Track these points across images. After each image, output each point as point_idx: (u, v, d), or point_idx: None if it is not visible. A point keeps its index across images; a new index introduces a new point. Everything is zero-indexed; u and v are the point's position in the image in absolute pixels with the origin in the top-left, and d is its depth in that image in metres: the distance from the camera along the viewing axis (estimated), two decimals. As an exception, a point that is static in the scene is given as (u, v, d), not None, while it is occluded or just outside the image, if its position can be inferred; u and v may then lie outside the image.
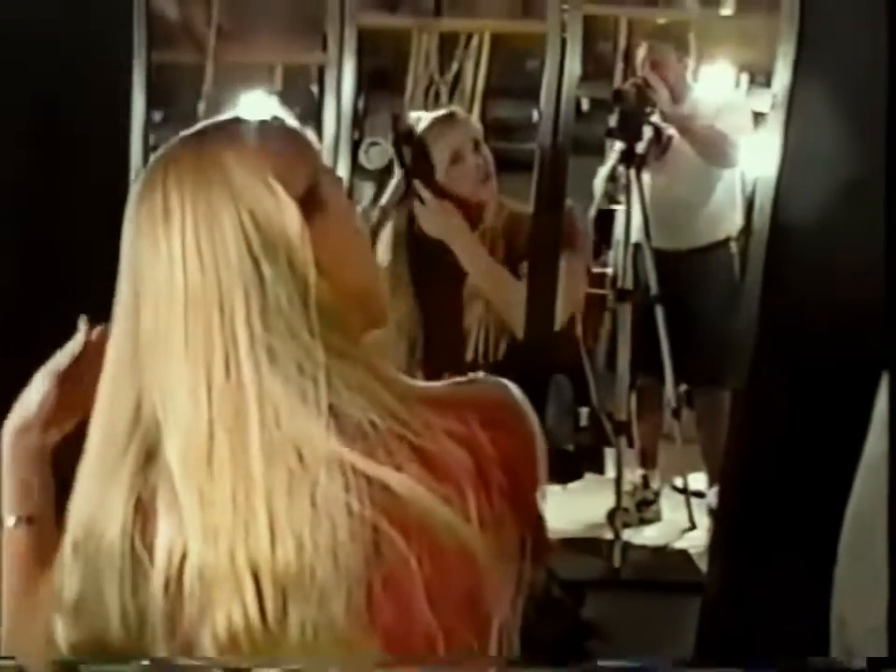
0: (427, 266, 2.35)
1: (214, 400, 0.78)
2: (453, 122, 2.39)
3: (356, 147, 2.17)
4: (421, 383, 0.87)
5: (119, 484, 0.80)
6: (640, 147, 3.08)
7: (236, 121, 0.87)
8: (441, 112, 2.43)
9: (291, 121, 0.89)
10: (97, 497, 0.81)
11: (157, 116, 2.01)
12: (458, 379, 0.88)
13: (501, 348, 2.33)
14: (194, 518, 0.77)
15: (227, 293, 0.78)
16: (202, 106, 4.20)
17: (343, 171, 1.99)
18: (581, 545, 3.10)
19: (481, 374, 0.90)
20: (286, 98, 4.26)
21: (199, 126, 0.88)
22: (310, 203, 0.82)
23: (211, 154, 0.82)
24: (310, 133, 0.89)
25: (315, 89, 4.38)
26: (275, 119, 0.88)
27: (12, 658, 0.83)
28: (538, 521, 0.87)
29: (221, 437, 0.78)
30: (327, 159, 1.97)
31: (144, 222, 0.82)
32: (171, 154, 0.85)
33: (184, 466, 0.78)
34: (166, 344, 0.79)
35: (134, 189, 0.84)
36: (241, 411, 0.77)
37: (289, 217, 0.80)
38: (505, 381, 0.89)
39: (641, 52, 3.20)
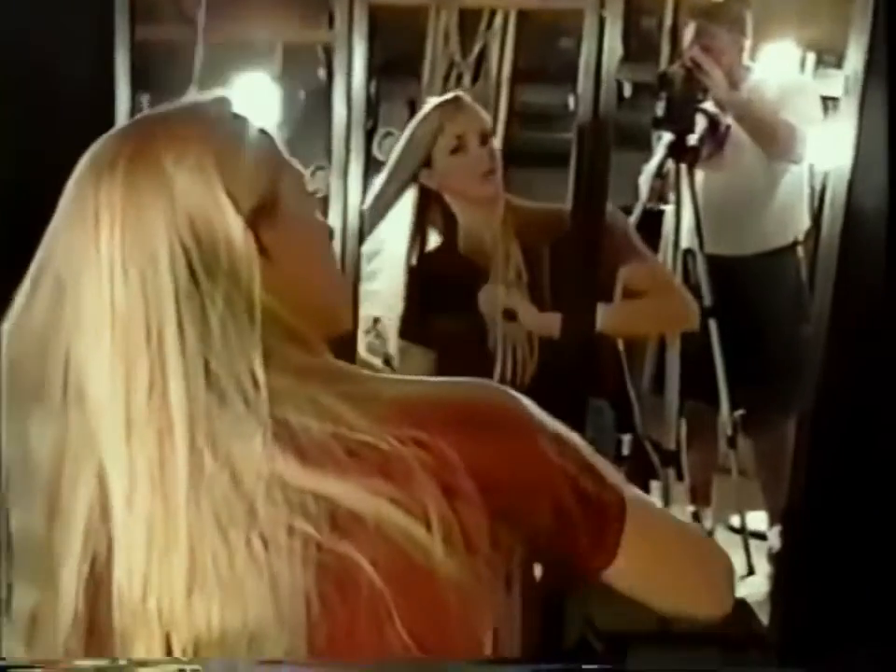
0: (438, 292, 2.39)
1: (134, 423, 0.81)
2: (458, 108, 2.41)
3: (369, 137, 2.18)
4: (398, 381, 0.90)
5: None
6: (692, 139, 3.08)
7: (181, 112, 0.90)
8: (446, 96, 2.45)
9: (245, 112, 0.92)
10: None
11: (143, 100, 2.02)
12: (440, 380, 0.91)
13: (530, 369, 2.34)
14: (119, 554, 0.81)
15: (156, 309, 0.81)
16: (192, 90, 4.23)
17: (354, 163, 2.00)
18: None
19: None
20: (288, 81, 4.29)
21: (139, 117, 0.91)
22: (262, 211, 0.85)
23: (149, 155, 0.84)
24: (268, 128, 0.92)
25: (322, 72, 4.42)
26: (226, 105, 0.92)
27: (3, 659, 0.86)
28: (550, 523, 0.90)
29: (142, 465, 0.80)
30: (337, 150, 1.98)
31: (74, 228, 0.84)
32: (104, 153, 0.86)
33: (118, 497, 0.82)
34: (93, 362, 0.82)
35: (67, 187, 0.87)
36: (165, 434, 0.80)
37: (235, 229, 0.83)
38: (494, 384, 0.92)
39: (690, 30, 3.20)
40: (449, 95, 2.45)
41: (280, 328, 0.84)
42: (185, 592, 0.80)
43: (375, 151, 2.61)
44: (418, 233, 2.45)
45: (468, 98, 2.50)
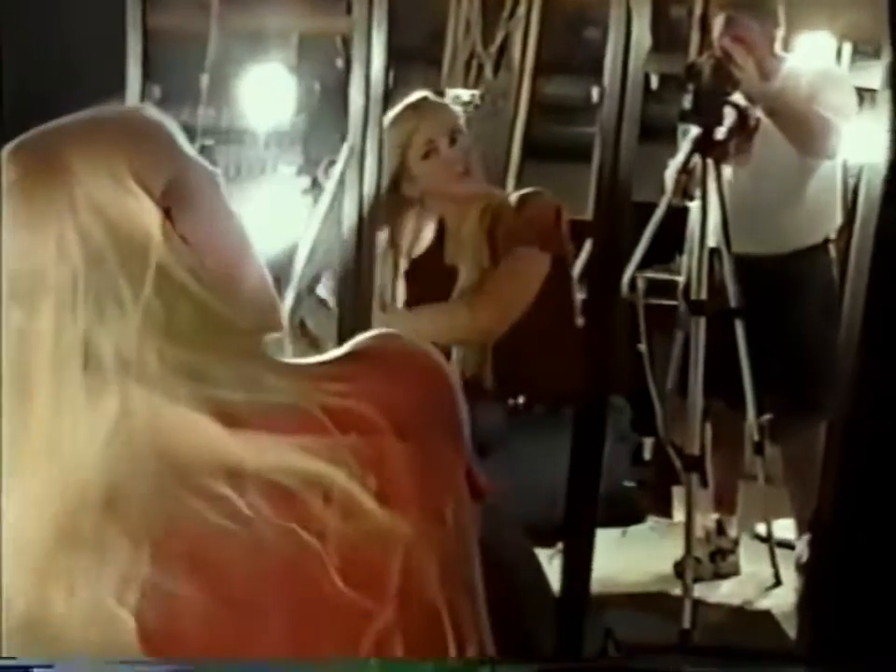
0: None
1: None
2: (424, 110, 2.40)
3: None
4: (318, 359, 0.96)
5: None
6: (720, 133, 3.05)
7: (84, 119, 0.94)
8: (412, 98, 2.44)
9: (149, 111, 0.97)
10: None
11: (155, 92, 2.02)
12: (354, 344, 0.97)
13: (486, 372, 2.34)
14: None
15: (68, 306, 0.86)
16: (204, 80, 4.23)
17: (371, 155, 1.99)
18: (644, 602, 3.08)
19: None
20: (304, 72, 4.29)
21: (41, 128, 0.94)
22: (173, 195, 0.90)
23: (55, 156, 0.89)
24: (169, 122, 0.96)
25: (339, 62, 4.42)
26: (130, 110, 0.99)
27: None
28: (460, 477, 0.95)
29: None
30: (353, 140, 1.97)
31: None
32: (7, 158, 0.91)
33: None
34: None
35: None
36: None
37: (148, 215, 0.88)
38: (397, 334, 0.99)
39: (720, 20, 3.17)
40: (413, 98, 2.44)
41: (204, 311, 0.89)
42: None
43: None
44: (398, 242, 2.44)
45: (433, 97, 2.50)
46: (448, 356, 2.35)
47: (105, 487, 0.86)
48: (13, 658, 0.87)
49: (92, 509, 0.86)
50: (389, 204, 2.37)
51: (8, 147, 0.93)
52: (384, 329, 1.01)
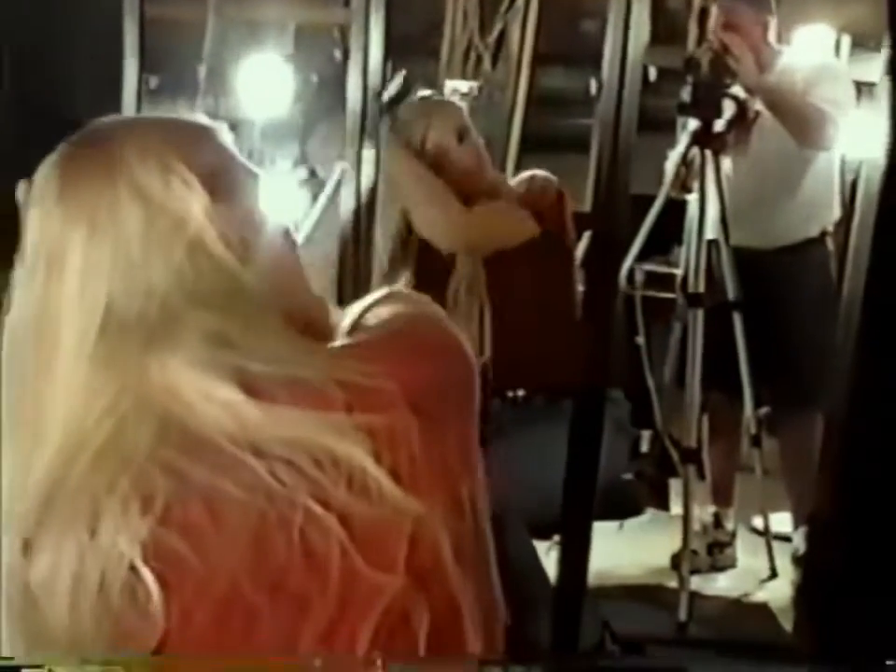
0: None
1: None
2: (430, 113, 2.38)
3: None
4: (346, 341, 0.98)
5: None
6: (719, 126, 3.05)
7: (139, 117, 1.05)
8: (416, 98, 2.42)
9: (197, 117, 1.02)
10: None
11: (152, 82, 2.02)
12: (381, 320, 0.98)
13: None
14: None
15: (122, 291, 0.90)
16: (202, 71, 4.23)
17: (368, 146, 1.99)
18: (641, 594, 3.08)
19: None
20: (301, 63, 4.28)
21: (89, 127, 0.99)
22: (216, 184, 0.94)
23: (107, 142, 0.94)
24: (218, 125, 1.01)
25: (337, 53, 4.41)
26: (181, 115, 1.02)
27: (12, 658, 0.88)
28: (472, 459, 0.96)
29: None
30: (350, 132, 1.97)
31: (41, 230, 0.93)
32: (64, 156, 0.95)
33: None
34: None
35: (33, 196, 0.95)
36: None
37: (191, 193, 0.92)
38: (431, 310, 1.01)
39: (716, 11, 3.17)
40: (415, 100, 2.42)
41: (235, 284, 0.92)
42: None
43: (391, 133, 2.60)
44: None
45: (435, 95, 2.49)
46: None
47: (114, 449, 0.88)
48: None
49: (109, 475, 0.88)
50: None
51: (71, 138, 0.97)
52: (398, 291, 1.04)
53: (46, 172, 0.95)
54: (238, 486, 0.87)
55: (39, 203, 0.94)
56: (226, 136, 1.01)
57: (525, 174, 2.52)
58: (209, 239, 0.92)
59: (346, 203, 2.03)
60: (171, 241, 0.91)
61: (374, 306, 1.00)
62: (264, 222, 0.99)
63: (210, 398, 0.88)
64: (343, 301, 2.05)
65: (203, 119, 1.01)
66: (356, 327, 0.98)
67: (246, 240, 0.95)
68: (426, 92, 2.45)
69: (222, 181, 0.96)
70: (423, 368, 0.95)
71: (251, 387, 0.89)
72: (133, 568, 0.86)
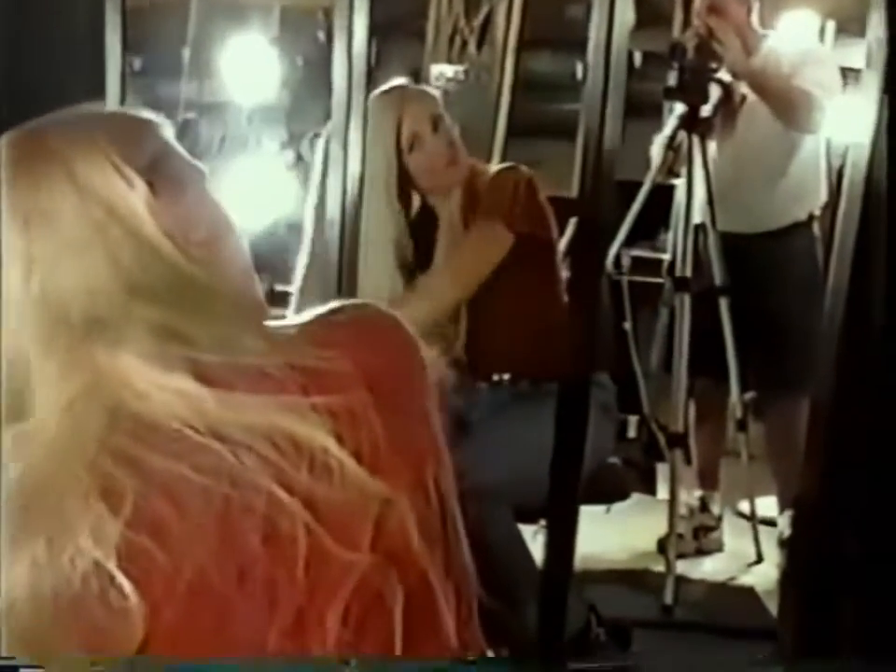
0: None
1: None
2: (401, 99, 2.36)
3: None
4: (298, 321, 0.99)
5: None
6: (705, 110, 3.05)
7: (71, 111, 0.99)
8: (387, 86, 2.39)
9: (134, 110, 1.02)
10: None
11: (136, 63, 2.00)
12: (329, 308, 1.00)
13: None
14: None
15: (69, 286, 0.89)
16: (186, 53, 4.20)
17: (354, 130, 1.98)
18: (627, 578, 3.09)
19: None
20: (286, 45, 4.26)
21: (27, 125, 0.98)
22: (155, 174, 0.94)
23: (42, 140, 0.94)
24: (155, 117, 1.01)
25: (321, 36, 4.40)
26: (114, 108, 1.00)
27: (12, 658, 0.87)
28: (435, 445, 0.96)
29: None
30: (336, 116, 1.96)
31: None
32: (3, 149, 0.94)
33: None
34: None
35: None
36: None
37: (131, 186, 0.92)
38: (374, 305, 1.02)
39: None
40: (387, 87, 2.39)
41: (183, 277, 0.92)
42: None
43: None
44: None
45: (410, 84, 2.46)
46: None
47: (78, 450, 0.88)
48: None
49: (67, 469, 0.87)
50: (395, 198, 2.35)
51: (11, 131, 0.97)
52: (356, 301, 1.05)
53: None
54: (200, 472, 0.86)
55: None
56: (168, 131, 1.01)
57: (493, 169, 2.51)
58: (150, 232, 0.92)
59: (333, 188, 2.02)
60: (110, 234, 0.91)
61: (332, 311, 1.00)
62: (211, 216, 1.00)
63: (163, 387, 0.88)
64: (339, 286, 2.05)
65: (145, 112, 1.02)
66: (308, 318, 0.99)
67: (190, 233, 0.95)
68: (400, 80, 2.43)
69: (164, 175, 0.96)
70: (377, 351, 0.96)
71: (205, 377, 0.89)
72: (102, 571, 0.85)
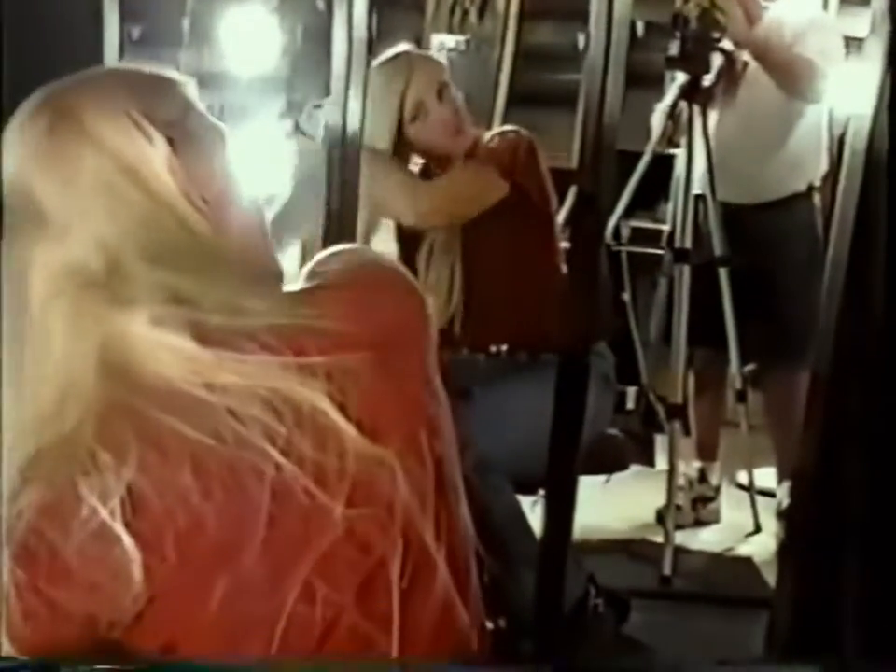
0: None
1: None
2: (408, 66, 2.33)
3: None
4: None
5: None
6: (707, 80, 3.03)
7: (96, 70, 1.02)
8: (391, 53, 2.36)
9: (158, 67, 1.02)
10: None
11: (134, 32, 1.99)
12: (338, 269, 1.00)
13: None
14: None
15: (82, 240, 0.90)
16: (185, 22, 4.17)
17: (355, 101, 1.96)
18: (626, 549, 3.10)
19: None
20: (286, 14, 4.23)
21: (50, 86, 0.98)
22: (176, 132, 0.95)
23: (66, 102, 0.94)
24: (181, 76, 1.01)
25: (321, 4, 4.36)
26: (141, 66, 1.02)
27: (13, 659, 0.88)
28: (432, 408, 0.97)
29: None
30: (336, 87, 1.95)
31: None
32: (25, 115, 0.95)
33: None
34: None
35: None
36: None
37: (151, 142, 0.93)
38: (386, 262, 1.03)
39: None
40: (391, 54, 2.36)
41: (193, 236, 0.93)
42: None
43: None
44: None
45: (416, 50, 2.43)
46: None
47: (85, 406, 0.89)
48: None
49: (73, 419, 0.89)
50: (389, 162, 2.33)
51: (28, 101, 0.97)
52: (355, 246, 1.08)
53: (14, 128, 0.95)
54: (197, 429, 0.87)
55: (7, 158, 0.94)
56: (191, 90, 1.01)
57: (496, 129, 2.49)
58: (165, 191, 0.92)
59: (331, 156, 2.00)
60: (130, 192, 0.91)
61: (329, 260, 1.01)
62: (228, 177, 1.00)
63: (166, 348, 0.89)
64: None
65: (168, 71, 1.01)
66: (311, 277, 0.99)
67: (205, 192, 0.95)
68: (407, 46, 2.40)
69: (185, 134, 0.96)
70: (381, 306, 0.96)
71: (208, 338, 0.90)
72: (106, 527, 0.85)
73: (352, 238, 2.01)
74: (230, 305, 0.91)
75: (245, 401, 0.88)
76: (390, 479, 0.91)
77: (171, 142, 0.94)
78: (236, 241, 0.97)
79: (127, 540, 0.85)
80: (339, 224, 1.97)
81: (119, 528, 0.85)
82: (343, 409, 0.90)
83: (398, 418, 0.93)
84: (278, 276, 1.02)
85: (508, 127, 2.49)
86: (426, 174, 2.45)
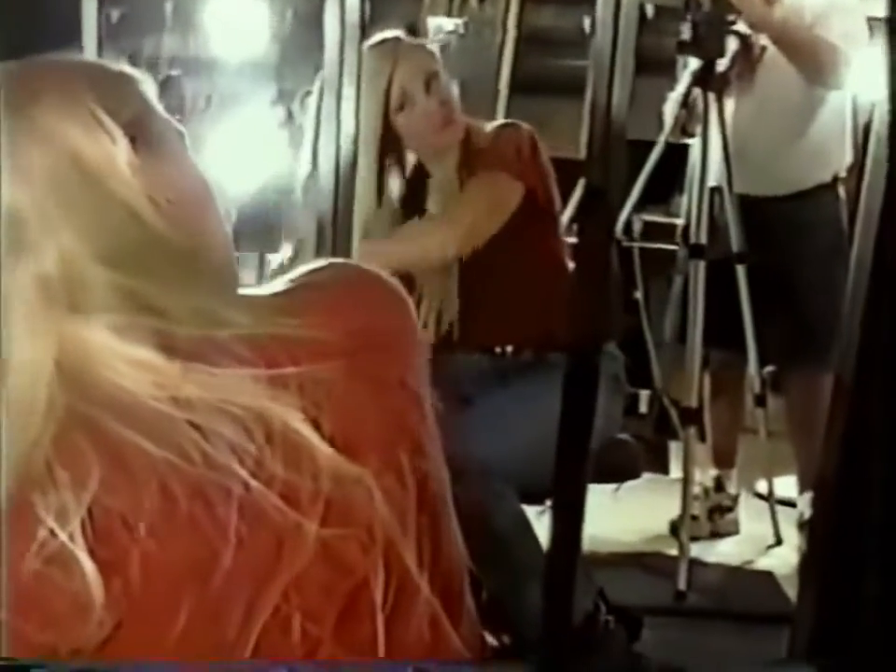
0: None
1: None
2: (393, 54, 2.33)
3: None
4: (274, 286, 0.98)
5: None
6: (721, 65, 3.03)
7: (52, 58, 0.98)
8: (379, 37, 2.36)
9: (114, 63, 1.01)
10: None
11: (113, 15, 1.99)
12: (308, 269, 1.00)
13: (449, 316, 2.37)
14: None
15: (36, 235, 0.88)
16: (169, 6, 4.17)
17: (348, 88, 1.96)
18: (638, 562, 3.10)
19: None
20: (276, -1, 4.23)
21: (6, 64, 0.96)
22: (138, 131, 0.93)
23: (23, 94, 0.92)
24: (138, 73, 1.00)
25: (312, -14, 4.36)
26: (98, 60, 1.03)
27: (14, 659, 0.87)
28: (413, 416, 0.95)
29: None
30: (329, 73, 1.95)
31: None
32: None
33: None
34: None
35: None
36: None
37: (113, 141, 0.91)
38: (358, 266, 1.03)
39: None
40: (377, 39, 2.35)
41: (160, 243, 0.91)
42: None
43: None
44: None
45: (403, 37, 2.42)
46: (419, 303, 2.35)
47: (39, 417, 0.88)
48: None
49: (30, 435, 0.87)
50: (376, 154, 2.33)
51: None
52: (335, 259, 1.06)
53: None
54: (163, 448, 0.86)
55: None
56: (150, 87, 0.99)
57: (494, 123, 2.49)
58: (128, 192, 0.91)
59: (326, 148, 2.00)
60: (88, 192, 0.90)
61: (309, 271, 1.00)
62: (191, 179, 0.99)
63: (130, 361, 0.88)
64: (333, 248, 2.04)
65: (127, 67, 1.00)
66: (286, 284, 0.98)
67: (169, 196, 0.93)
68: (395, 33, 2.40)
69: (146, 134, 0.95)
70: (358, 312, 0.95)
71: (175, 350, 0.88)
72: (63, 549, 0.85)
73: (348, 238, 2.02)
74: (200, 314, 0.90)
75: (212, 417, 0.87)
76: (367, 499, 0.89)
77: (132, 141, 0.93)
78: (203, 245, 0.96)
79: (88, 565, 0.84)
80: (334, 224, 1.97)
81: (79, 552, 0.84)
82: (316, 424, 0.88)
83: (376, 433, 0.92)
84: (238, 283, 1.02)
85: (505, 121, 2.49)
86: (419, 170, 2.45)
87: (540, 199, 2.37)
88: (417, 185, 2.44)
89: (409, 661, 0.91)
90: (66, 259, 0.89)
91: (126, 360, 0.88)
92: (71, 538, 0.84)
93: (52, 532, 0.84)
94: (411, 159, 2.44)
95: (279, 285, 0.98)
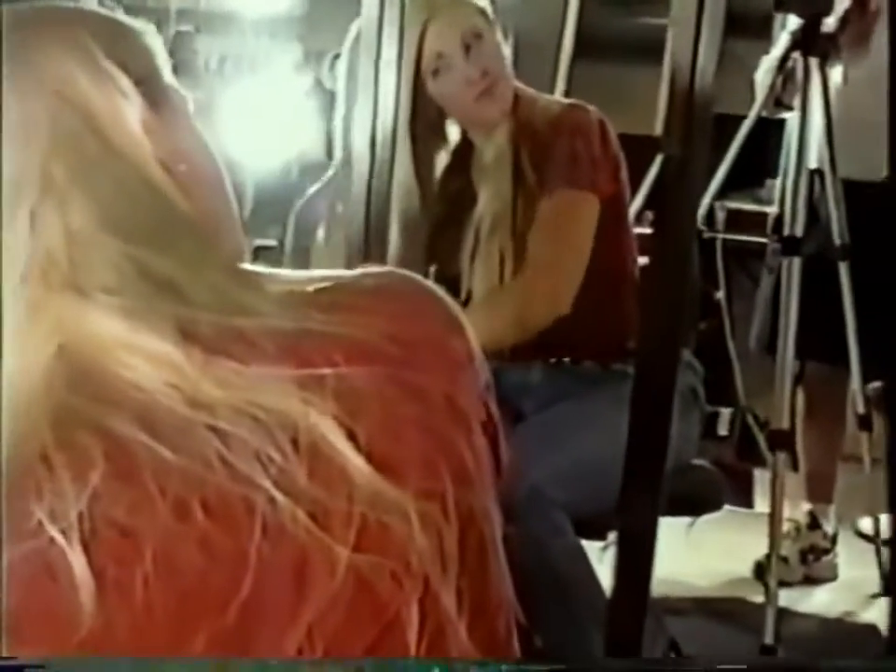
0: None
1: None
2: (429, 6, 2.30)
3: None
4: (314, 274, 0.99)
5: None
6: (827, 25, 3.03)
7: (48, 5, 1.00)
8: None
9: (121, 15, 1.02)
10: None
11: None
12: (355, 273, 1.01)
13: None
14: None
15: (38, 201, 0.89)
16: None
17: (388, 49, 1.98)
18: (717, 610, 3.10)
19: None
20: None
21: (12, 9, 0.98)
22: (148, 92, 0.96)
23: (26, 39, 0.94)
24: (144, 25, 1.02)
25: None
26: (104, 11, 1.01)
27: (14, 658, 0.89)
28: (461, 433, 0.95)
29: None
30: (367, 31, 1.97)
31: None
32: None
33: None
34: None
35: None
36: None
37: (131, 102, 0.93)
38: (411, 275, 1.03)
39: None
40: None
41: (176, 214, 0.93)
42: None
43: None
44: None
45: None
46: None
47: (41, 408, 0.89)
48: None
49: (29, 426, 0.88)
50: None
51: None
52: (390, 268, 1.06)
53: None
54: (178, 454, 0.87)
55: None
56: (157, 43, 1.01)
57: (551, 100, 2.48)
58: (143, 154, 0.92)
59: (361, 123, 2.02)
60: (97, 151, 0.91)
61: (358, 275, 1.00)
62: (199, 150, 1.01)
63: (145, 354, 0.89)
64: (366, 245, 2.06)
65: (137, 21, 1.02)
66: (325, 281, 0.98)
67: (184, 164, 0.95)
68: None
69: (158, 94, 0.96)
70: (405, 323, 0.95)
71: (197, 342, 0.89)
72: (56, 548, 0.86)
73: (383, 243, 2.04)
74: (217, 292, 0.91)
75: (235, 420, 0.88)
76: (405, 528, 0.90)
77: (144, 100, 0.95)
78: (220, 223, 0.99)
79: (80, 567, 0.86)
80: (367, 221, 1.99)
81: (71, 553, 0.86)
82: (351, 436, 0.89)
83: (416, 454, 0.92)
84: (249, 274, 1.02)
85: (569, 102, 2.47)
86: (465, 143, 2.46)
87: (611, 198, 2.37)
88: (461, 161, 2.45)
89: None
90: (73, 230, 0.89)
91: (140, 353, 0.89)
92: (65, 537, 0.86)
93: (43, 528, 0.85)
94: (453, 131, 2.45)
95: (320, 281, 0.98)
